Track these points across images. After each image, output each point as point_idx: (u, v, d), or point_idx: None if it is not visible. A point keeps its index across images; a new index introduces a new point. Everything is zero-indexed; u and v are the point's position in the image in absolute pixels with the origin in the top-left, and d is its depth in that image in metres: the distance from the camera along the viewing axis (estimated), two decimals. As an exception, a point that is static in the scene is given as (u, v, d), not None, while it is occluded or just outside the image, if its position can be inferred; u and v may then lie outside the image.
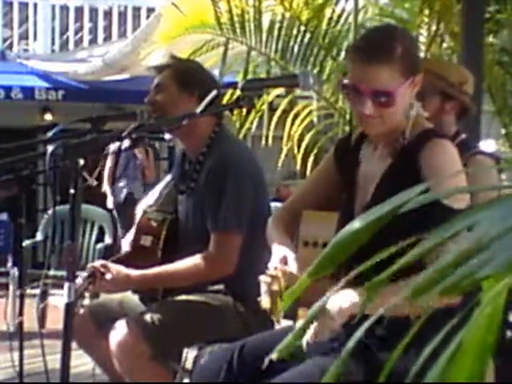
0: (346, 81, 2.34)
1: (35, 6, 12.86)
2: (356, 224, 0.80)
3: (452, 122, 3.26)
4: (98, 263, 3.23)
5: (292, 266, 2.31)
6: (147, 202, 3.53)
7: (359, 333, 0.78)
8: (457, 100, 3.22)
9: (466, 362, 0.68)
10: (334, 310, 2.14)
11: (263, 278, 2.29)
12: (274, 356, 2.21)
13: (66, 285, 2.35)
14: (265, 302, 2.30)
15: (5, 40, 13.12)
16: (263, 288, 2.30)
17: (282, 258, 2.35)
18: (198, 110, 2.67)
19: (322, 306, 0.88)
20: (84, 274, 3.16)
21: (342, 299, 2.13)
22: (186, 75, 3.30)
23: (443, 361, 0.69)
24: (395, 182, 2.27)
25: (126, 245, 3.46)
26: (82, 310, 3.37)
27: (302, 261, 2.33)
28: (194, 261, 3.17)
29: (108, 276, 3.15)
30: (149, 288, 3.31)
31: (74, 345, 2.50)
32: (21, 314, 3.08)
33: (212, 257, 3.17)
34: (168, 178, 3.64)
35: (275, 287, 2.26)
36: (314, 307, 0.88)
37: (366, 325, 0.77)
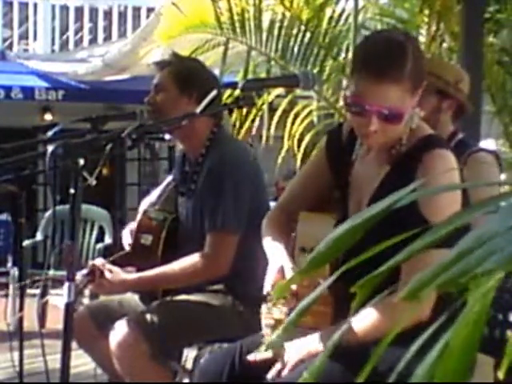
0: (348, 94, 2.28)
1: (35, 5, 12.85)
2: (346, 224, 0.81)
3: (449, 121, 3.25)
4: (98, 261, 3.24)
5: (289, 277, 2.30)
6: (148, 201, 3.53)
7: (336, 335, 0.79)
8: (453, 98, 3.22)
9: (452, 359, 0.68)
10: (290, 357, 2.25)
11: (266, 320, 2.28)
12: (263, 349, 2.24)
13: (66, 285, 2.35)
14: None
15: (5, 40, 13.11)
16: (266, 330, 2.29)
17: (279, 268, 2.34)
18: (198, 110, 2.66)
19: (313, 300, 0.88)
20: (84, 271, 3.17)
21: (298, 348, 2.25)
22: (186, 76, 3.28)
23: (431, 358, 0.69)
24: (392, 192, 2.25)
25: (126, 236, 3.46)
26: (81, 308, 3.36)
27: (300, 268, 2.32)
28: (190, 261, 3.17)
29: (107, 274, 3.17)
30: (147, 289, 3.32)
31: (74, 345, 2.50)
32: (21, 309, 3.08)
33: (208, 257, 3.17)
34: (169, 178, 3.65)
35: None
36: (305, 301, 0.88)
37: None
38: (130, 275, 3.21)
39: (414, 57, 2.24)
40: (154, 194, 3.59)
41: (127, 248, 3.43)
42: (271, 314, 2.26)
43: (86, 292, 6.90)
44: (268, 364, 2.32)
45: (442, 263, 0.72)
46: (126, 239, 3.46)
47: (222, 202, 3.16)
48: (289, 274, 2.31)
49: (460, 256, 0.72)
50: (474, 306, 0.69)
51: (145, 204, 3.53)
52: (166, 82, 3.29)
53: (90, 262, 3.27)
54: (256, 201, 3.25)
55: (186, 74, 3.30)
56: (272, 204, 3.40)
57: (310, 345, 2.24)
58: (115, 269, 3.21)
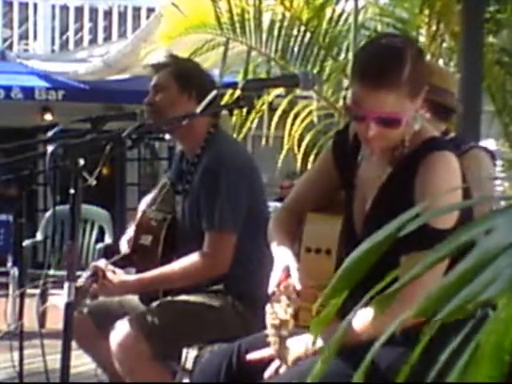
0: (348, 100, 2.28)
1: (35, 6, 12.85)
2: (364, 246, 0.82)
3: (431, 123, 3.10)
4: (100, 263, 3.25)
5: (294, 277, 2.30)
6: (146, 201, 3.53)
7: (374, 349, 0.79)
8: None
9: (483, 366, 0.68)
10: (290, 356, 2.26)
11: (270, 320, 2.27)
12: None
13: (66, 285, 2.35)
14: (274, 343, 2.27)
15: (5, 40, 13.12)
16: (271, 330, 2.28)
17: (284, 268, 2.34)
18: (198, 109, 2.67)
19: (345, 328, 0.89)
20: (87, 272, 3.18)
21: (297, 346, 2.26)
22: (186, 75, 3.30)
23: (461, 365, 0.69)
24: (394, 193, 2.25)
25: (124, 244, 3.47)
26: (85, 309, 3.36)
27: (305, 268, 2.32)
28: (190, 260, 3.17)
29: (110, 275, 3.18)
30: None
31: (74, 345, 2.50)
32: (21, 309, 3.09)
33: (207, 256, 3.17)
34: (165, 178, 3.65)
35: (284, 332, 2.24)
36: (337, 332, 0.89)
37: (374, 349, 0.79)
38: (132, 276, 3.22)
39: (412, 62, 2.23)
40: (152, 194, 3.59)
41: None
42: (276, 313, 2.26)
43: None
44: (265, 363, 2.33)
45: (448, 283, 0.72)
46: (124, 247, 3.46)
47: (219, 201, 3.16)
48: (294, 274, 2.31)
49: (464, 277, 0.72)
50: (501, 313, 0.69)
51: (143, 204, 3.53)
52: (167, 82, 3.30)
53: (93, 264, 3.27)
54: (254, 200, 3.26)
55: (185, 73, 3.32)
56: (276, 204, 3.39)
57: (308, 343, 2.24)
58: (117, 270, 3.22)
